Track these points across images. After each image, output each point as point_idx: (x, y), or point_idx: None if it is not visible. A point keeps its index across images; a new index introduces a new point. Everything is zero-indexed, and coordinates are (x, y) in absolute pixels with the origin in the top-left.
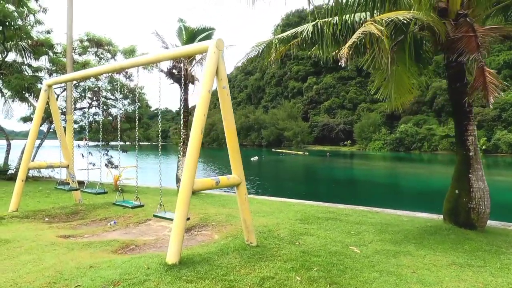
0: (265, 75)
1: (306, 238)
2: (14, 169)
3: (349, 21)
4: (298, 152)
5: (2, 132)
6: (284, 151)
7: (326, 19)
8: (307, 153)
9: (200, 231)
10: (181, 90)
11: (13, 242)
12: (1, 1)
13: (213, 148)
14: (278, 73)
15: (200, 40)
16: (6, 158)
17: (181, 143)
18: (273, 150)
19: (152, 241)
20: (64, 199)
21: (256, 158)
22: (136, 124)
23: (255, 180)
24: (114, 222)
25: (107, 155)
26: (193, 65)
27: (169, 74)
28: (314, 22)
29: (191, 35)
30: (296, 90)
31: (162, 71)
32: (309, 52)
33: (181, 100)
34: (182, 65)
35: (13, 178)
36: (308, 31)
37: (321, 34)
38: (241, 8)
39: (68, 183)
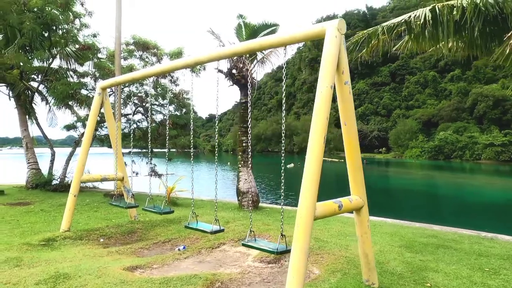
0: (296, 81)
1: (431, 275)
2: (59, 179)
3: (480, 3)
4: (334, 159)
5: (47, 141)
6: None
7: (447, 2)
8: (342, 160)
9: None
10: (241, 92)
11: (74, 279)
12: (48, 5)
13: (261, 155)
14: (309, 79)
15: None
16: (51, 168)
17: (241, 152)
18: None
19: (238, 276)
20: (116, 214)
21: (292, 165)
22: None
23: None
24: (184, 248)
25: (151, 163)
26: (254, 65)
27: (229, 74)
28: (430, 7)
29: (251, 32)
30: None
31: (221, 71)
32: (427, 47)
33: (241, 103)
34: (241, 65)
35: (57, 189)
36: (425, 15)
37: (442, 21)
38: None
39: (120, 197)
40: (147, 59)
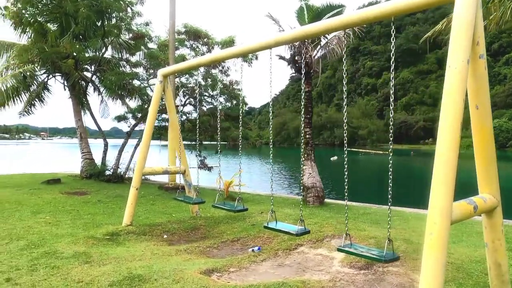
0: (337, 72)
1: None
2: (111, 170)
3: None
4: (378, 151)
5: (99, 131)
6: (362, 150)
7: None
8: (386, 152)
9: (386, 267)
10: (303, 81)
11: (150, 282)
12: None
13: (284, 147)
14: (350, 70)
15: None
16: (104, 159)
17: (304, 145)
18: (348, 149)
19: (329, 284)
20: (174, 208)
21: (335, 157)
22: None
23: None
24: (259, 249)
25: (199, 155)
26: (318, 51)
27: (292, 61)
28: None
29: (315, 15)
30: (370, 87)
31: (282, 58)
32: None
33: (303, 92)
34: (304, 50)
35: (111, 180)
36: None
37: None
38: None
39: (177, 190)
40: (197, 49)
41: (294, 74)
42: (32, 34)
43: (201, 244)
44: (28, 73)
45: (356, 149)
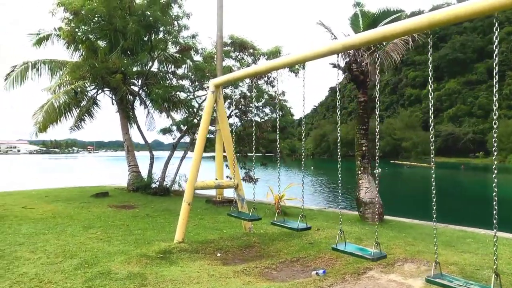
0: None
1: None
2: (157, 183)
3: None
4: (424, 164)
5: (146, 144)
6: (407, 163)
7: None
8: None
9: None
10: (359, 90)
11: None
12: (152, 6)
13: (324, 159)
14: (392, 80)
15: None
16: (150, 171)
17: (360, 158)
18: (391, 161)
19: None
20: (224, 224)
21: (379, 170)
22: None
23: (406, 199)
24: (323, 272)
25: (244, 168)
26: (377, 57)
27: (348, 69)
28: None
29: (370, 22)
30: (413, 98)
31: (337, 66)
32: None
33: (360, 102)
34: (360, 58)
35: (157, 193)
36: None
37: None
38: None
39: (224, 204)
40: (242, 60)
41: (348, 82)
42: (84, 51)
43: (258, 265)
44: (79, 89)
45: (401, 162)
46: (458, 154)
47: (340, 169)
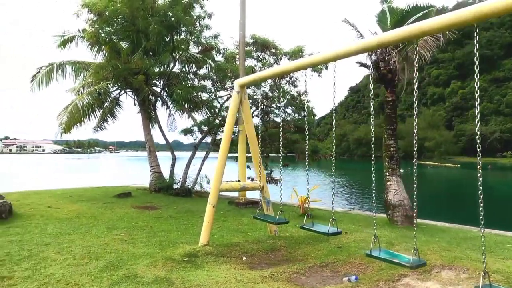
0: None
1: None
2: (179, 184)
3: None
4: (448, 164)
5: (167, 145)
6: (430, 163)
7: None
8: (458, 165)
9: None
10: (386, 89)
11: None
12: (174, 6)
13: (344, 159)
14: (414, 80)
15: (411, 22)
16: (172, 172)
17: (387, 159)
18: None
19: None
20: (248, 226)
21: (401, 170)
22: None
23: (433, 201)
24: (356, 279)
25: (266, 169)
26: (403, 56)
27: (375, 68)
28: None
29: (399, 18)
30: (436, 97)
31: (364, 65)
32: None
33: (388, 102)
34: (388, 56)
35: (179, 194)
36: None
37: None
38: None
39: (246, 205)
40: (264, 60)
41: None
42: (107, 52)
43: (286, 269)
44: (102, 90)
45: (424, 162)
46: (484, 154)
47: (373, 171)
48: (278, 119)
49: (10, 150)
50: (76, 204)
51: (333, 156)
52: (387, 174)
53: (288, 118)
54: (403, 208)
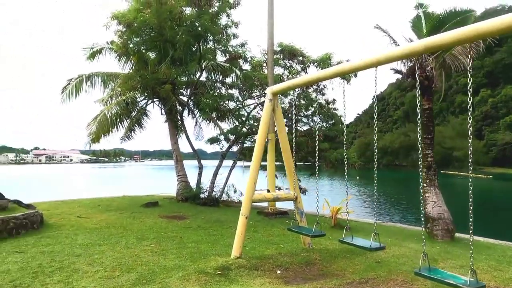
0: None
1: None
2: (206, 193)
3: None
4: (480, 175)
5: (194, 154)
6: (460, 173)
7: None
8: (490, 176)
9: None
10: (422, 97)
11: None
12: (202, 15)
13: (369, 168)
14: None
15: (449, 28)
16: (199, 181)
17: (425, 169)
18: (442, 172)
19: None
20: (280, 237)
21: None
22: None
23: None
24: None
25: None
26: (439, 63)
27: (411, 75)
28: None
29: (435, 24)
30: (465, 105)
31: (398, 72)
32: None
33: (425, 110)
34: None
35: (206, 203)
36: None
37: None
38: None
39: (275, 216)
40: (290, 68)
41: (408, 89)
42: (135, 63)
43: (323, 285)
44: (130, 100)
45: (452, 172)
46: None
47: (421, 182)
48: (306, 128)
49: (40, 160)
50: (104, 214)
51: (375, 165)
52: (425, 185)
53: (316, 127)
54: (443, 222)
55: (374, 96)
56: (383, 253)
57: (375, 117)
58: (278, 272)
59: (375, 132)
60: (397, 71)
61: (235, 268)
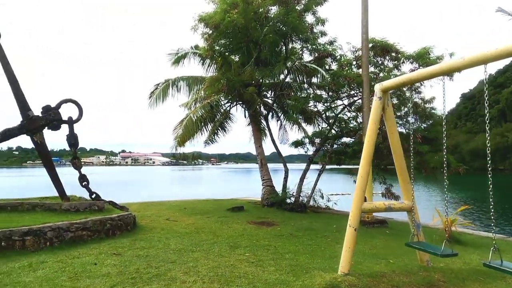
0: None
1: None
2: (292, 198)
3: None
4: None
5: (280, 157)
6: None
7: None
8: None
9: None
10: None
11: None
12: (290, 13)
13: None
14: None
15: None
16: (285, 186)
17: None
18: None
19: None
20: (385, 249)
21: None
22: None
23: None
24: None
25: (384, 183)
26: None
27: None
28: None
29: None
30: None
31: None
32: None
33: None
34: None
35: (294, 209)
36: None
37: None
38: None
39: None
40: (381, 66)
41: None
42: (219, 65)
43: None
44: (214, 103)
45: None
46: None
47: None
48: (402, 129)
49: (126, 162)
50: (191, 217)
51: (489, 168)
52: None
53: (412, 128)
54: None
55: (484, 90)
56: None
57: (487, 114)
58: None
59: (487, 135)
60: None
61: (345, 287)
